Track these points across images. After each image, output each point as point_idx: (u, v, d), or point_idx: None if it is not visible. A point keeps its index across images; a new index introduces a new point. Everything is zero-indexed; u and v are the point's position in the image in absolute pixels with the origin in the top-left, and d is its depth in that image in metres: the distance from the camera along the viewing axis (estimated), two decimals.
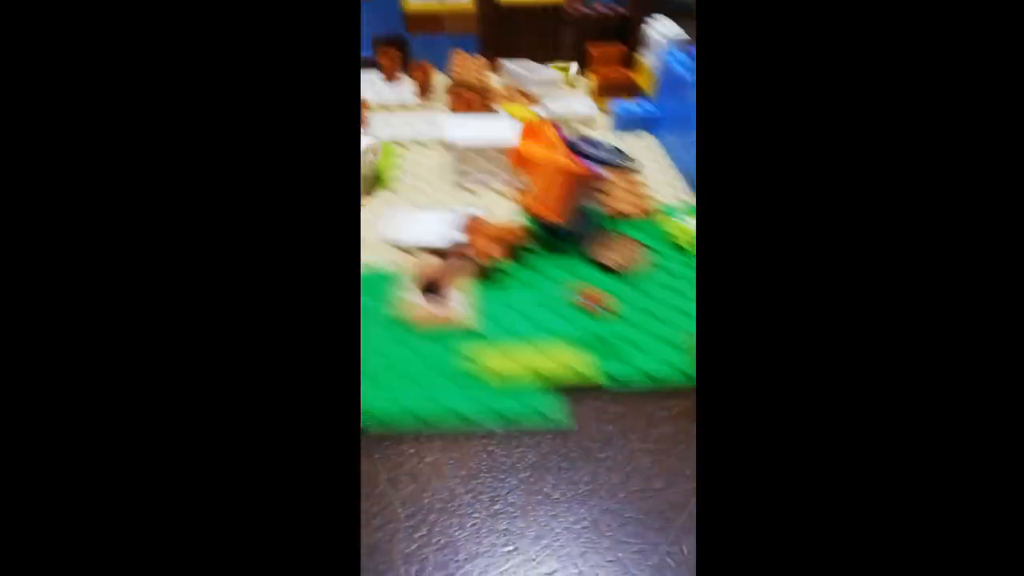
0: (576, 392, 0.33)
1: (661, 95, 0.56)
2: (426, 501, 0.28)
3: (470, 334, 0.35)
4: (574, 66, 0.65)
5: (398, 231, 0.43)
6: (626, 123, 0.57)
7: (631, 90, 0.62)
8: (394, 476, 0.29)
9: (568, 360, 0.33)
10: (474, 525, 0.27)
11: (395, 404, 0.31)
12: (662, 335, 0.35)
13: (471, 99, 0.57)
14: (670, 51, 0.54)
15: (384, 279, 0.39)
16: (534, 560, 0.26)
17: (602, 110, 0.60)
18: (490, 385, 0.32)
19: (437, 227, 0.43)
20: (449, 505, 0.28)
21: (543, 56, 0.67)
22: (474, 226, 0.40)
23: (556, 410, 0.32)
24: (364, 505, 0.28)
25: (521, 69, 0.63)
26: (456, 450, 0.30)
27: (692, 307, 0.37)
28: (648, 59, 0.60)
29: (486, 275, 0.40)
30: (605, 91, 0.62)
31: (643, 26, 0.61)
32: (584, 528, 0.27)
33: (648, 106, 0.57)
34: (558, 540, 0.27)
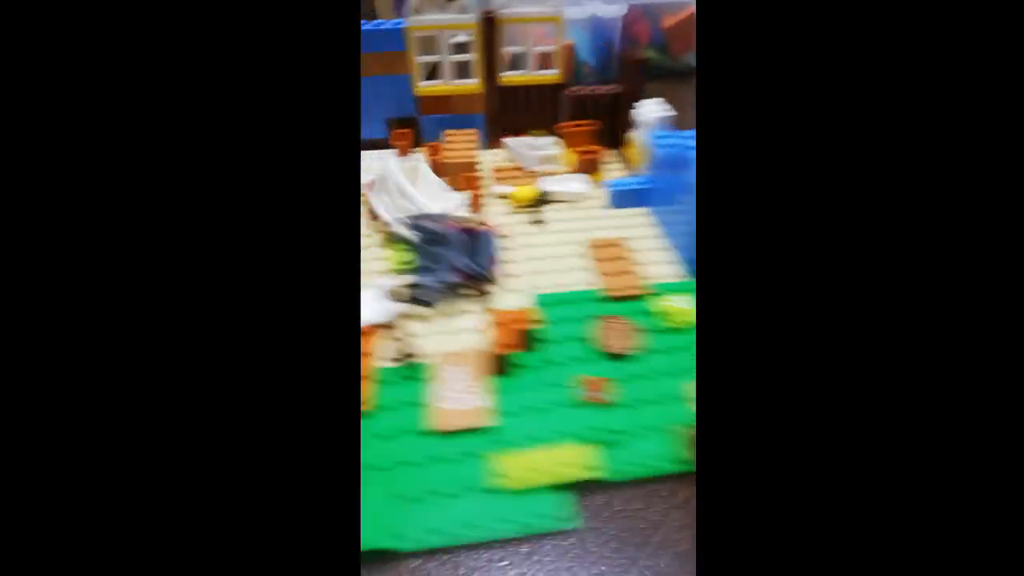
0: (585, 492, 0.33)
1: (653, 170, 0.59)
2: None
3: (491, 438, 0.36)
4: (549, 140, 0.67)
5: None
6: (620, 198, 0.60)
7: (597, 166, 0.65)
8: None
9: (583, 462, 0.34)
10: None
11: (435, 532, 0.31)
12: (657, 424, 0.37)
13: (467, 177, 0.60)
14: (656, 132, 0.58)
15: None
16: None
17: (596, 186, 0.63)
18: (510, 494, 0.33)
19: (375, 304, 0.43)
20: None
21: (546, 131, 0.69)
22: (495, 319, 0.41)
23: (569, 512, 0.32)
24: None
25: (522, 146, 0.66)
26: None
27: (684, 391, 0.39)
28: (639, 137, 0.63)
29: (502, 368, 0.40)
30: (583, 167, 0.65)
31: (631, 109, 0.64)
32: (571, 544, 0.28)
33: (642, 181, 0.61)
34: None
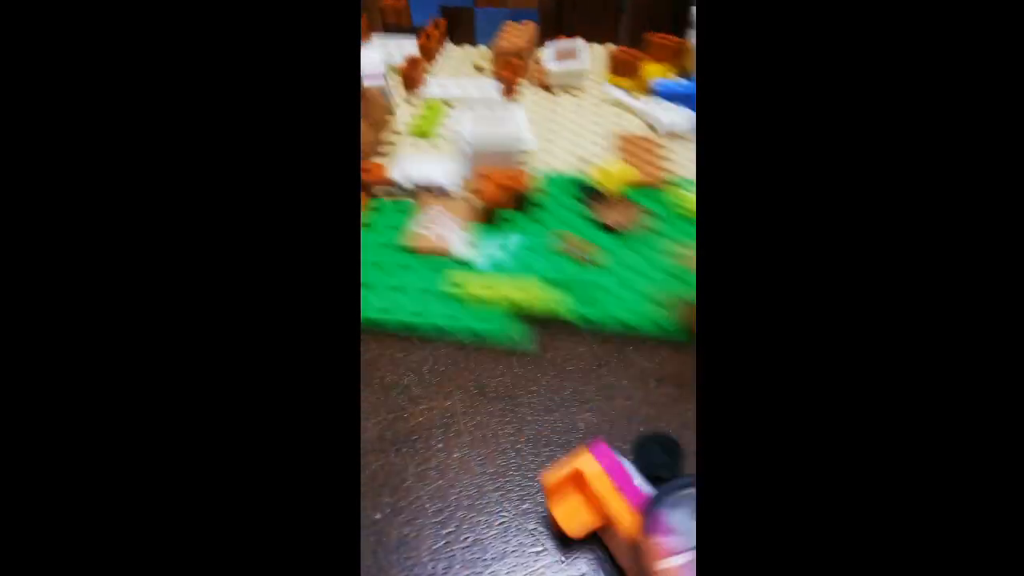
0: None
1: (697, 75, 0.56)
2: (453, 497, 0.28)
3: (460, 264, 0.39)
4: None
5: (411, 171, 0.46)
6: (665, 98, 0.57)
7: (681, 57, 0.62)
8: (422, 471, 0.29)
9: (542, 295, 0.36)
10: (502, 523, 0.27)
11: (386, 313, 0.36)
12: (640, 289, 0.37)
13: (517, 66, 0.59)
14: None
15: (401, 208, 0.44)
16: (563, 562, 0.26)
17: (640, 91, 0.60)
18: (468, 307, 0.36)
19: (445, 170, 0.46)
20: (477, 502, 0.28)
21: (602, 38, 0.67)
22: (484, 173, 0.42)
23: (524, 336, 0.35)
24: (391, 500, 0.28)
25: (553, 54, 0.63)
26: (484, 446, 0.30)
27: (679, 270, 0.38)
28: (692, 40, 0.60)
29: (489, 218, 0.42)
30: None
31: (690, 11, 0.61)
32: None
33: (687, 84, 0.57)
34: (587, 543, 0.26)
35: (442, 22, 0.68)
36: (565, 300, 0.36)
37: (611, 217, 0.42)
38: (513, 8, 0.67)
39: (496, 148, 0.46)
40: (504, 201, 0.42)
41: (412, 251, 0.40)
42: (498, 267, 0.39)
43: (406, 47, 0.65)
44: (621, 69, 0.62)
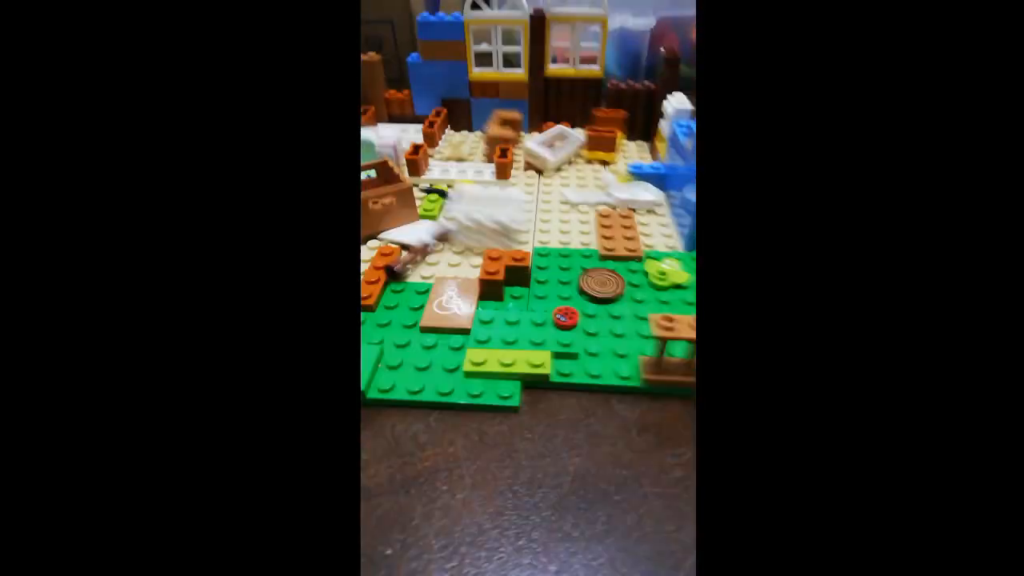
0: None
1: (668, 157, 0.64)
2: (457, 535, 0.31)
3: (474, 339, 0.43)
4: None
5: (397, 234, 0.55)
6: (640, 179, 0.65)
7: (614, 146, 0.70)
8: (428, 511, 0.32)
9: (529, 359, 0.40)
10: (500, 559, 0.30)
11: (418, 395, 0.39)
12: (617, 349, 0.42)
13: (508, 150, 0.66)
14: (676, 120, 0.62)
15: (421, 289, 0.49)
16: None
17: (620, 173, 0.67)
18: (468, 374, 0.40)
19: (419, 232, 0.54)
20: (478, 539, 0.31)
21: (582, 122, 0.76)
22: (491, 254, 0.48)
23: (513, 395, 0.39)
24: (401, 536, 0.31)
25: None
26: (484, 488, 0.33)
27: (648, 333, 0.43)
28: (664, 127, 0.68)
29: (496, 294, 0.47)
30: (599, 145, 0.70)
31: (663, 101, 0.69)
32: (601, 564, 0.29)
33: (658, 166, 0.65)
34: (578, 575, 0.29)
35: (443, 111, 0.77)
36: (552, 365, 0.40)
37: (594, 287, 0.48)
38: (504, 99, 0.76)
39: (493, 227, 0.52)
40: (503, 276, 0.47)
41: (432, 330, 0.44)
42: (504, 339, 0.42)
43: (410, 132, 0.74)
44: (596, 144, 0.70)
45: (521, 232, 0.54)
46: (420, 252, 0.52)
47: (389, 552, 0.30)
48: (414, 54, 0.75)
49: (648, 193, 0.61)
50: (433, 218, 0.59)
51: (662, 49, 0.73)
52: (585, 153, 0.71)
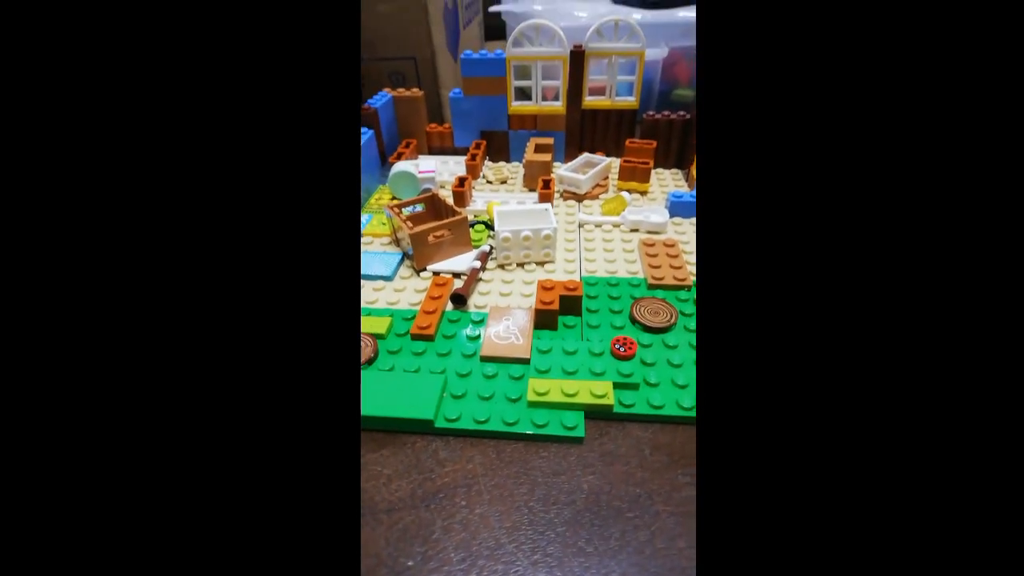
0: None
1: None
2: (475, 548, 0.32)
3: (523, 367, 0.44)
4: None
5: (440, 265, 0.57)
6: (675, 208, 0.66)
7: (648, 176, 0.72)
8: (448, 524, 0.33)
9: (592, 389, 0.41)
10: (517, 572, 0.31)
11: (483, 425, 0.39)
12: (676, 379, 0.43)
13: (547, 179, 0.69)
14: None
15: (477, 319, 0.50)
16: None
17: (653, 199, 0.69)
18: (532, 403, 0.41)
19: (460, 259, 0.58)
20: (495, 553, 0.32)
21: (616, 152, 0.78)
22: (544, 284, 0.50)
23: (577, 425, 0.39)
24: (422, 549, 0.32)
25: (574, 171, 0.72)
26: (501, 504, 0.34)
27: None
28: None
29: (549, 324, 0.48)
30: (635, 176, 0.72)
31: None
32: None
33: (694, 195, 0.67)
34: None
35: (482, 143, 0.80)
36: (622, 395, 0.41)
37: (648, 318, 0.49)
38: (542, 130, 0.79)
39: (526, 233, 0.55)
40: (556, 305, 0.48)
41: (491, 359, 0.45)
42: (565, 368, 0.43)
43: (450, 164, 0.77)
44: (630, 175, 0.72)
45: (548, 230, 0.56)
46: (473, 276, 0.54)
47: (411, 564, 0.32)
48: (456, 89, 0.79)
49: (657, 215, 0.63)
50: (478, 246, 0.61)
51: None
52: (619, 183, 0.73)
